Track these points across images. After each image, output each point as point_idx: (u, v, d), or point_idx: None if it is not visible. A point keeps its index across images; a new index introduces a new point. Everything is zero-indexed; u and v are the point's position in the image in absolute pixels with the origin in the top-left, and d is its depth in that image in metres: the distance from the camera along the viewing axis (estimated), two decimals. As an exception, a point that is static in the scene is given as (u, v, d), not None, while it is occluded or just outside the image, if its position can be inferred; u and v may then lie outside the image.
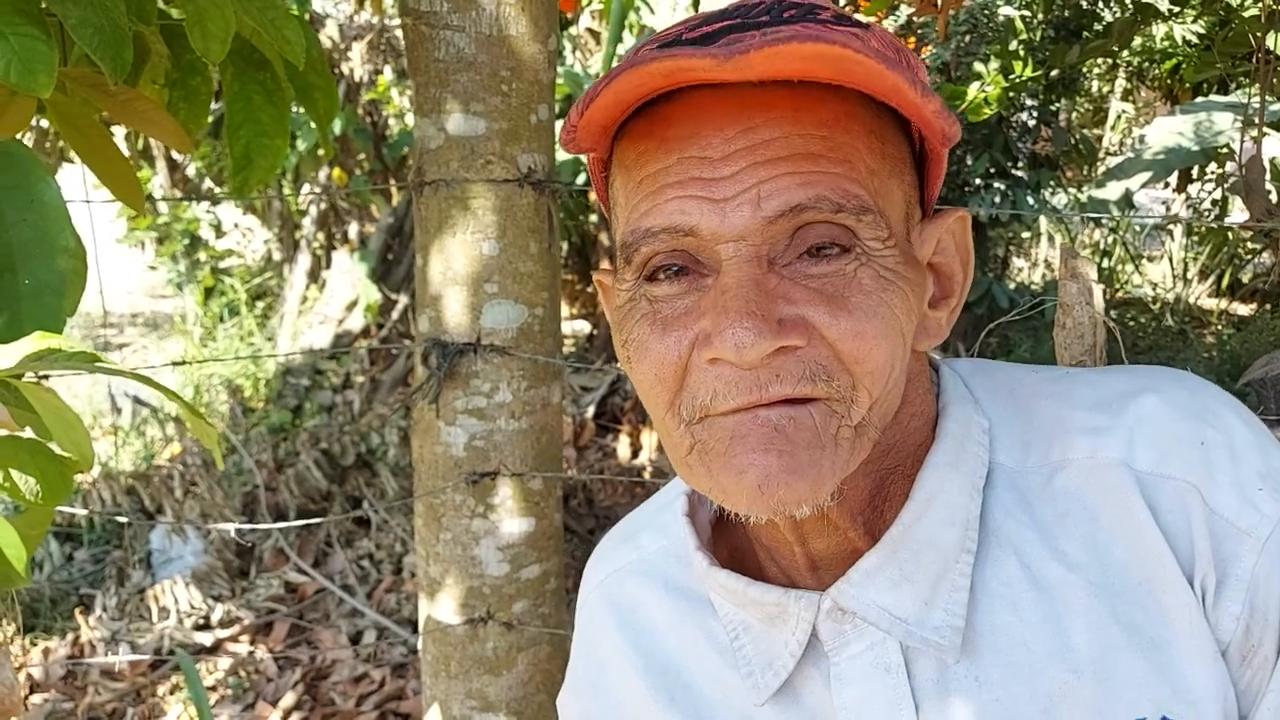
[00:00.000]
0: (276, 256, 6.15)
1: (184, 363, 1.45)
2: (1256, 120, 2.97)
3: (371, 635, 3.41)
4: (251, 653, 3.35)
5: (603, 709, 0.76)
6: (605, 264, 0.62)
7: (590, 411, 5.11)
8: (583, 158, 5.70)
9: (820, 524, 0.63)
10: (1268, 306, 6.59)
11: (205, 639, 3.39)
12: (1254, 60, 3.09)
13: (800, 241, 0.57)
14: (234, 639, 3.41)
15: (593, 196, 6.12)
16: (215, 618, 3.49)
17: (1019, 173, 5.57)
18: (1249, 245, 6.78)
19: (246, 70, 1.49)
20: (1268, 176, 2.79)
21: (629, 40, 6.39)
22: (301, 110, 1.50)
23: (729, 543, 0.72)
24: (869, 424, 0.58)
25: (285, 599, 3.60)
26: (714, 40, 0.55)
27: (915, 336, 0.62)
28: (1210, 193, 7.10)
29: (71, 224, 1.16)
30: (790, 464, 0.55)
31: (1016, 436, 0.66)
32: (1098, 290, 1.63)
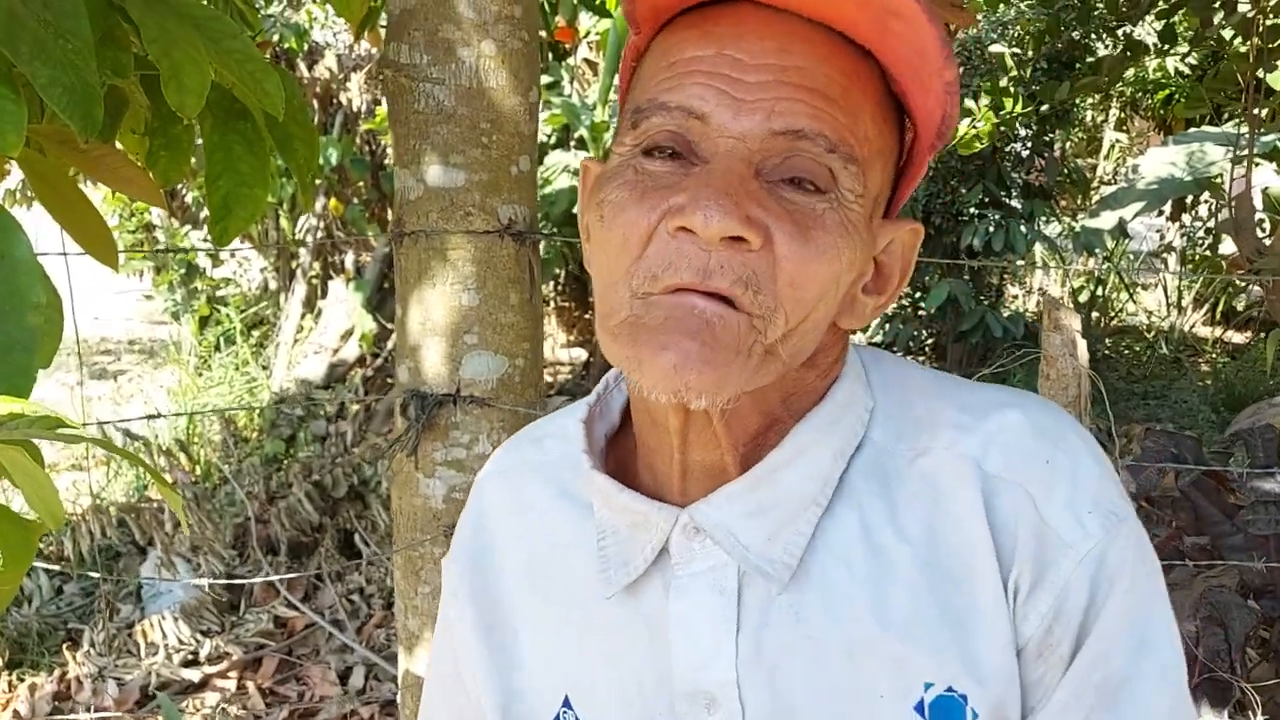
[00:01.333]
0: (272, 285, 6.16)
1: (158, 415, 1.45)
2: (1245, 159, 2.98)
3: (361, 671, 3.39)
4: (240, 689, 3.32)
5: (481, 585, 0.82)
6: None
7: (585, 441, 5.10)
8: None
9: (706, 435, 0.68)
10: (1262, 335, 6.59)
11: (193, 675, 3.36)
12: (1243, 97, 3.11)
13: (787, 167, 0.62)
14: (222, 675, 3.39)
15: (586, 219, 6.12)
16: (204, 653, 3.46)
17: (1013, 203, 5.58)
18: (1242, 274, 6.78)
19: (227, 120, 1.48)
20: (1257, 214, 2.80)
21: (625, 70, 6.42)
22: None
23: (616, 456, 0.78)
24: (777, 353, 0.63)
25: (274, 634, 3.57)
26: None
27: (841, 311, 0.68)
28: (1204, 221, 7.11)
29: (44, 278, 1.15)
30: (707, 356, 0.59)
31: (894, 421, 0.71)
32: (1081, 343, 1.63)
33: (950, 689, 0.65)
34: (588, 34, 6.50)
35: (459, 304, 1.48)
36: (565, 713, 0.76)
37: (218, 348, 5.87)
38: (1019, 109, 3.87)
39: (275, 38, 5.01)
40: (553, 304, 6.87)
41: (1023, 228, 5.46)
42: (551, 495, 0.80)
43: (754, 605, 0.69)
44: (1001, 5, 4.93)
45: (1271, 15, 3.03)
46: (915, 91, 0.64)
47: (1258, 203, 5.84)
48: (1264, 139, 5.93)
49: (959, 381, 0.75)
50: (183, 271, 5.70)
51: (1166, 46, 3.54)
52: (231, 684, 3.34)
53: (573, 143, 6.27)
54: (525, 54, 1.48)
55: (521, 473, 0.83)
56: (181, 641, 3.51)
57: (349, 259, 5.76)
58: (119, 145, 1.47)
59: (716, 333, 0.60)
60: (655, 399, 0.62)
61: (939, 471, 0.68)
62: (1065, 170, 6.51)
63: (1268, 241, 2.77)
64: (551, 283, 6.77)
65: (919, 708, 0.66)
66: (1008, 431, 0.68)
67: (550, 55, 6.60)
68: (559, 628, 0.77)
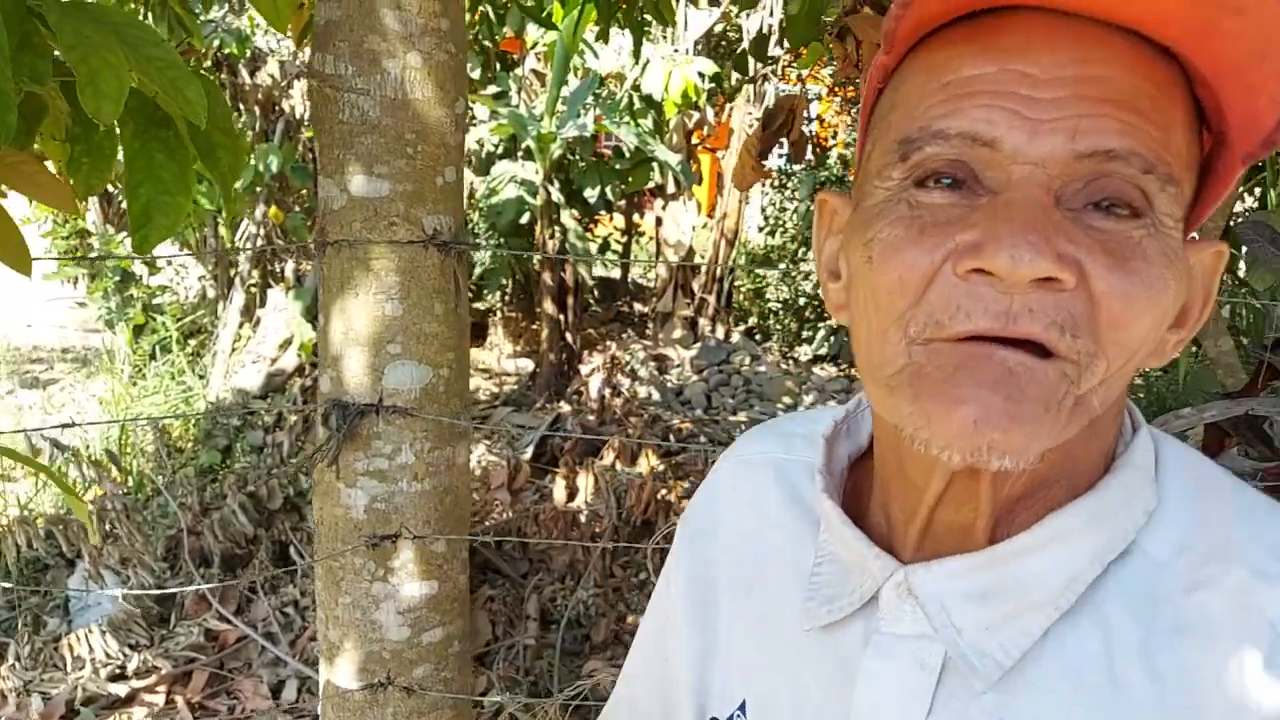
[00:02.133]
0: (210, 294, 6.06)
1: (74, 424, 1.42)
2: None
3: (293, 685, 3.34)
4: (169, 703, 3.26)
5: (700, 560, 0.79)
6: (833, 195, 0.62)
7: (528, 453, 5.08)
8: (529, 197, 5.64)
9: (965, 495, 0.60)
10: (1194, 349, 6.75)
11: (120, 689, 3.29)
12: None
13: (1092, 191, 0.53)
14: (150, 689, 3.32)
15: (538, 233, 6.13)
16: (131, 667, 3.39)
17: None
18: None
19: (148, 128, 1.47)
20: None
21: (574, 82, 6.44)
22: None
23: (855, 479, 0.72)
24: (1089, 405, 0.54)
25: (206, 647, 3.51)
26: None
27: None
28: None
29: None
30: (1014, 411, 0.51)
31: (1179, 534, 0.60)
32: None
33: None
34: (535, 45, 6.51)
35: (382, 314, 1.48)
36: (739, 716, 0.72)
37: (153, 357, 5.75)
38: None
39: (216, 43, 4.95)
40: (499, 314, 6.85)
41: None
42: (785, 498, 0.75)
43: (955, 694, 0.60)
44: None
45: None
46: (1236, 95, 0.54)
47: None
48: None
49: (1276, 508, 0.62)
50: (117, 279, 5.59)
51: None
52: (160, 698, 3.28)
53: (520, 153, 6.27)
54: (452, 66, 1.49)
55: (762, 465, 0.78)
56: (109, 655, 3.43)
57: (289, 267, 5.69)
58: (40, 151, 1.45)
59: (1022, 384, 0.51)
60: (947, 459, 0.53)
61: (1219, 614, 0.57)
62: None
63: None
64: (499, 293, 6.75)
65: None
66: None
67: (498, 66, 6.60)
68: (756, 632, 0.73)
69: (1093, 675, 0.58)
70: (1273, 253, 1.70)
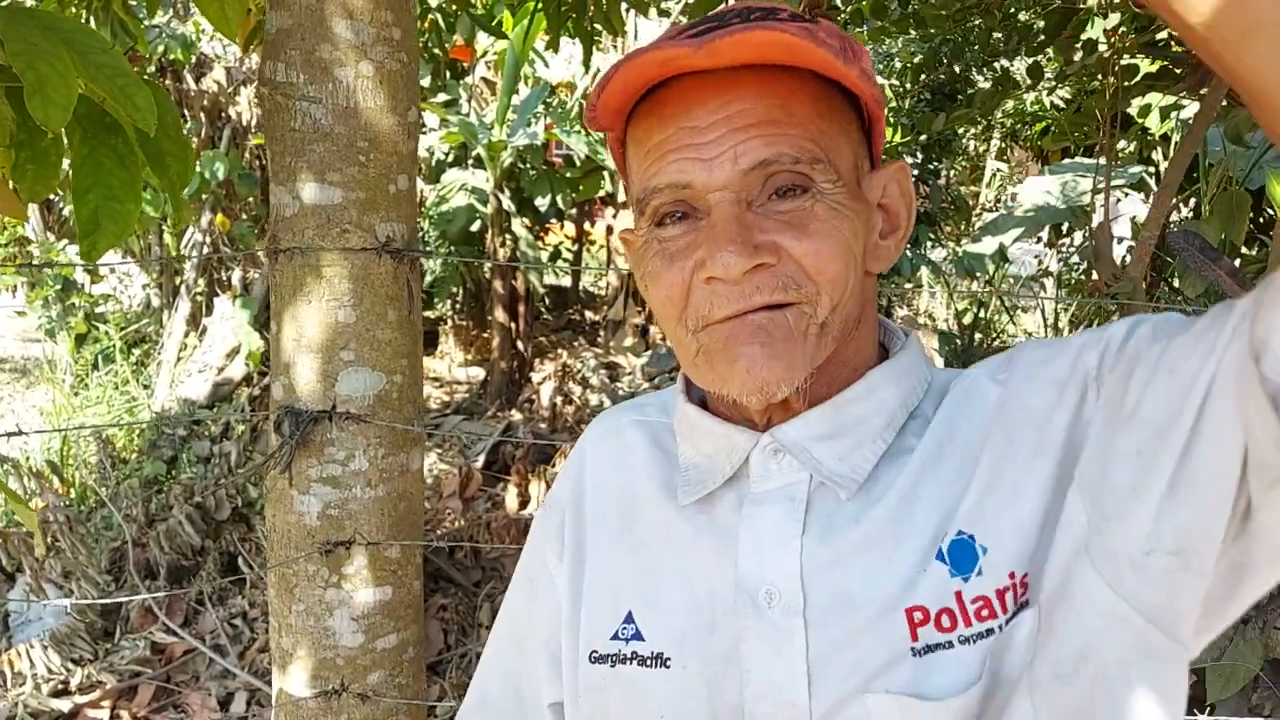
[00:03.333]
0: (155, 302, 5.95)
1: (17, 433, 1.40)
2: (1104, 190, 3.16)
3: (243, 697, 3.30)
4: (114, 718, 3.20)
5: (575, 529, 0.91)
6: (624, 226, 0.85)
7: (480, 461, 5.06)
8: (480, 205, 5.62)
9: (784, 413, 0.79)
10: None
11: (63, 705, 3.22)
12: (1100, 133, 3.30)
13: (769, 186, 0.73)
14: (94, 704, 3.26)
15: (489, 241, 6.12)
16: (74, 682, 3.33)
17: (899, 228, 5.77)
18: (1100, 297, 7.12)
19: (97, 134, 1.46)
20: (1126, 242, 2.97)
21: (524, 91, 6.44)
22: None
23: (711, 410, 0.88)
24: (831, 324, 0.74)
25: (152, 661, 3.45)
26: (695, 36, 0.71)
27: (868, 260, 0.79)
28: (1079, 247, 7.46)
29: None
30: (771, 352, 0.72)
31: (940, 386, 0.83)
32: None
33: (960, 532, 0.74)
34: (485, 53, 6.51)
35: (335, 320, 1.48)
36: (625, 628, 0.84)
37: (95, 366, 5.64)
38: (898, 139, 4.02)
39: (161, 49, 4.88)
40: (450, 323, 6.81)
41: (908, 252, 5.66)
42: (650, 447, 0.90)
43: (821, 511, 0.78)
44: (887, 40, 5.12)
45: (1127, 55, 3.22)
46: (837, 77, 0.75)
47: (1126, 230, 6.17)
48: (1131, 170, 6.27)
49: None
50: (58, 287, 5.47)
51: (1031, 82, 3.74)
52: (105, 713, 3.22)
53: (470, 161, 6.26)
54: (404, 75, 1.50)
55: (624, 426, 0.93)
56: (51, 671, 3.36)
57: (236, 275, 5.61)
58: (-20, 157, 1.43)
59: (771, 331, 0.72)
60: (748, 402, 0.74)
61: (967, 388, 0.79)
62: (949, 197, 6.77)
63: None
64: (449, 301, 6.72)
65: (940, 556, 0.74)
66: (1009, 365, 0.80)
67: (448, 74, 6.58)
68: (633, 553, 0.86)
69: (912, 464, 0.78)
70: (1202, 261, 1.76)
